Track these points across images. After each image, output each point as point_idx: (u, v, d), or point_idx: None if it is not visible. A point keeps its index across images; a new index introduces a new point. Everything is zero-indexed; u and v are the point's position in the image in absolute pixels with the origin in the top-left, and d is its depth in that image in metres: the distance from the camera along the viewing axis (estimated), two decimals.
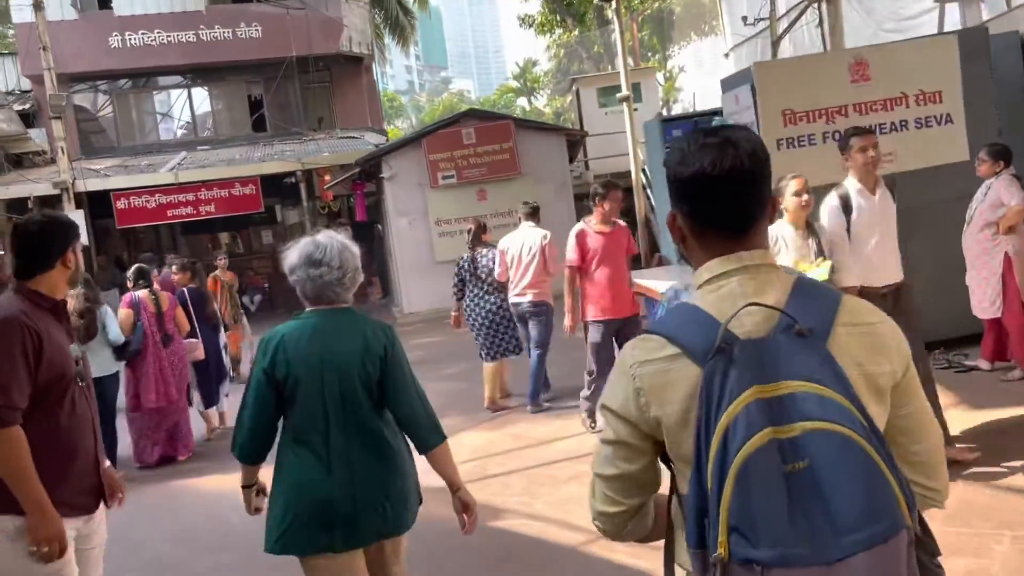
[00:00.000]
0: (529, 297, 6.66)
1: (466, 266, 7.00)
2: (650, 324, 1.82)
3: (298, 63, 18.44)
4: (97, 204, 15.95)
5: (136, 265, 7.24)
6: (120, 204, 15.06)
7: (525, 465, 5.58)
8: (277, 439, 2.66)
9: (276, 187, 17.35)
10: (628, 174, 15.53)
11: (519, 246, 6.69)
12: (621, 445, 1.42)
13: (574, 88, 19.16)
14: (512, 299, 6.78)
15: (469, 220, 14.78)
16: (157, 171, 15.83)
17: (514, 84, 50.97)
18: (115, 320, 6.33)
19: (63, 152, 14.07)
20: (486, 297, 6.92)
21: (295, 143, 18.39)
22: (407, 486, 2.66)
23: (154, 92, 20.55)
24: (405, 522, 2.67)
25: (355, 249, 2.69)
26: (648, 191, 14.54)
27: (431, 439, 2.65)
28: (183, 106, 20.68)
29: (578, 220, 6.34)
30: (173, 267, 7.64)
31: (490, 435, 6.44)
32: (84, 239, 14.29)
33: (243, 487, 2.76)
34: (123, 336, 6.29)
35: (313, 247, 2.62)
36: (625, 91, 12.18)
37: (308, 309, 2.67)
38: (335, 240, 2.65)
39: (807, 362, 1.26)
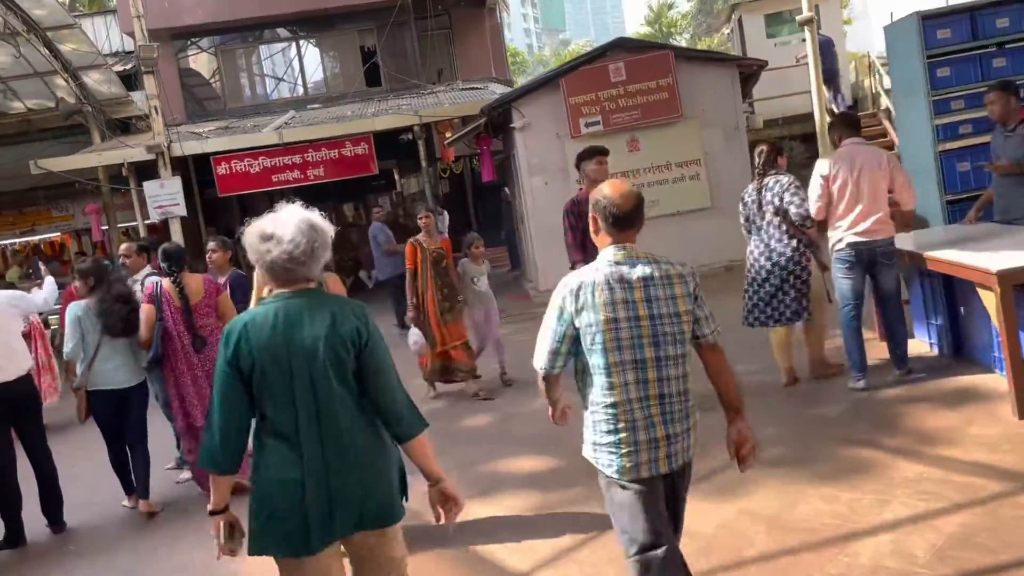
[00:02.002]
0: (882, 236, 5.27)
1: (749, 201, 5.65)
2: None
3: (414, 6, 16.42)
4: (204, 172, 14.47)
5: (163, 245, 5.22)
6: (220, 169, 13.43)
7: None
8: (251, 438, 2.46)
9: (392, 147, 15.37)
10: (807, 117, 12.54)
11: (852, 169, 5.27)
12: None
13: (735, 17, 16.09)
14: (850, 239, 5.32)
15: (618, 175, 12.57)
16: (260, 131, 14.10)
17: (646, 31, 47.13)
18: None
19: (157, 112, 12.49)
20: (772, 244, 5.53)
21: (412, 97, 16.31)
22: (388, 476, 2.48)
23: (261, 48, 19.00)
24: (388, 513, 2.47)
25: (323, 224, 2.48)
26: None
27: (411, 429, 2.48)
28: (295, 65, 19.05)
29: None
30: (210, 245, 5.56)
31: (721, 510, 3.85)
32: (183, 210, 13.00)
33: (211, 513, 2.44)
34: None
35: (268, 221, 2.45)
36: (807, 12, 9.27)
37: (274, 292, 2.46)
38: (297, 214, 2.46)
39: None
